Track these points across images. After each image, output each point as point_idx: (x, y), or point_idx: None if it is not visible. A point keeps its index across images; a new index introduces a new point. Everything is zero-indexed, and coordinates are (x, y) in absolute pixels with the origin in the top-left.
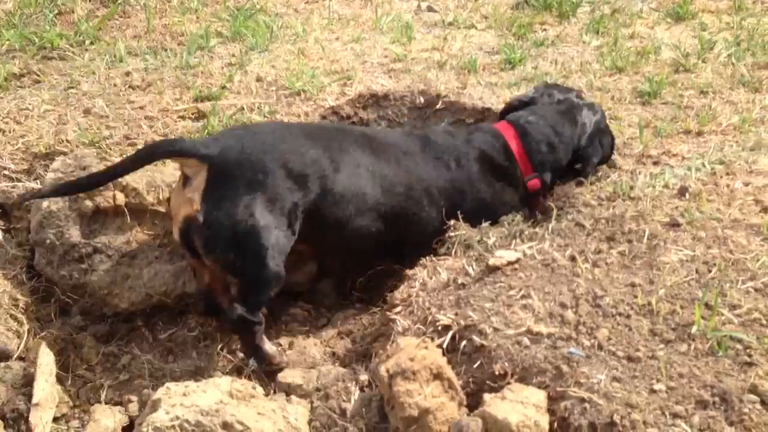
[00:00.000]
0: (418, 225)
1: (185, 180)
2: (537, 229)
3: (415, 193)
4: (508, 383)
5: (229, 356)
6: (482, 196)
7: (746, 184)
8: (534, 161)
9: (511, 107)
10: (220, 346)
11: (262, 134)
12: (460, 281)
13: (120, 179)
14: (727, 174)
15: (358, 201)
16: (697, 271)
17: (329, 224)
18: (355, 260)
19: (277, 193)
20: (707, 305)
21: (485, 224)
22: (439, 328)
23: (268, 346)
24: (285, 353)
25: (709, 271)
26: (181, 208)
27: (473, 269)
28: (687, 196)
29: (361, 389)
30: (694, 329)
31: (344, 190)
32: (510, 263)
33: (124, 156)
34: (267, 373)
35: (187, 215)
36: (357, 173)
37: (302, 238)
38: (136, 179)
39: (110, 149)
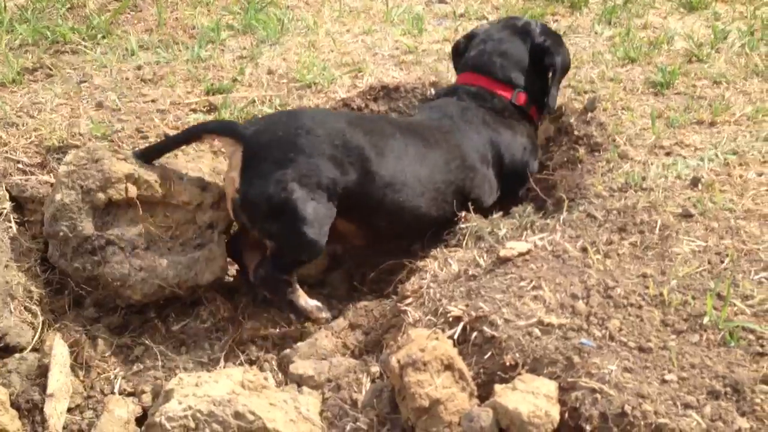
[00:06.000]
0: (480, 188)
1: (229, 161)
2: (548, 221)
3: (468, 162)
4: (519, 374)
5: (241, 347)
6: (511, 139)
7: (759, 175)
8: (502, 78)
9: (458, 50)
10: (231, 338)
11: (299, 117)
12: (471, 272)
13: (132, 171)
14: (740, 164)
15: (416, 184)
16: (709, 262)
17: (384, 208)
18: (414, 236)
19: (310, 169)
20: (719, 296)
21: (497, 215)
22: (450, 319)
23: (304, 301)
24: (328, 310)
25: (722, 262)
26: (229, 188)
27: (484, 260)
28: (699, 186)
29: (373, 380)
30: (706, 320)
31: (393, 174)
32: (521, 254)
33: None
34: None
35: (233, 196)
36: (405, 157)
37: (347, 217)
38: (148, 171)
39: (122, 142)
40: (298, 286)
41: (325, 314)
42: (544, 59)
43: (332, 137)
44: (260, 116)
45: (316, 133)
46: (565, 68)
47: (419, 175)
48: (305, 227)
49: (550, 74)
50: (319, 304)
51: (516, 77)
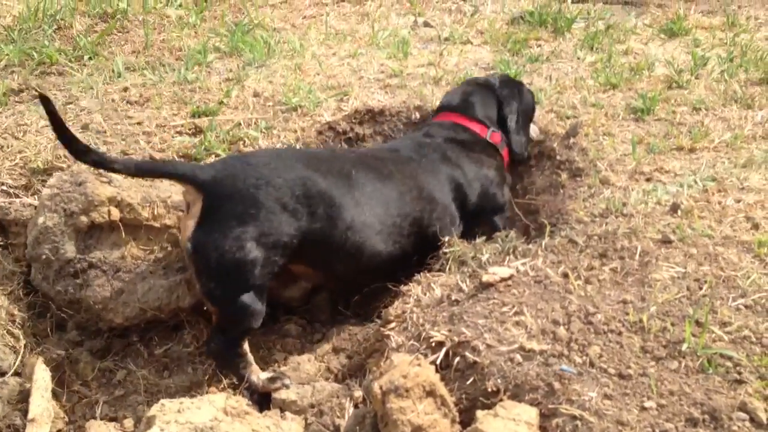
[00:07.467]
0: (441, 220)
1: (187, 207)
2: (530, 246)
3: (425, 194)
4: (501, 400)
5: (223, 372)
6: (479, 173)
7: (738, 201)
8: (477, 116)
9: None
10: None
11: (258, 166)
12: (453, 297)
13: (115, 195)
14: (719, 191)
15: (374, 222)
16: (688, 289)
17: (344, 251)
18: (370, 278)
19: (271, 227)
20: (698, 322)
21: (479, 240)
22: (433, 344)
23: (256, 377)
24: (284, 376)
25: (700, 289)
26: (183, 234)
27: (467, 285)
28: (679, 213)
29: (356, 405)
30: (684, 347)
31: (353, 215)
32: (503, 280)
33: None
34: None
35: (184, 243)
36: (363, 195)
37: (303, 261)
38: (131, 194)
39: None
40: (250, 359)
41: (279, 383)
42: (503, 109)
43: (293, 188)
44: (218, 159)
45: (276, 185)
46: (526, 111)
47: (376, 211)
48: (248, 293)
49: (508, 122)
50: (270, 375)
51: (491, 118)
